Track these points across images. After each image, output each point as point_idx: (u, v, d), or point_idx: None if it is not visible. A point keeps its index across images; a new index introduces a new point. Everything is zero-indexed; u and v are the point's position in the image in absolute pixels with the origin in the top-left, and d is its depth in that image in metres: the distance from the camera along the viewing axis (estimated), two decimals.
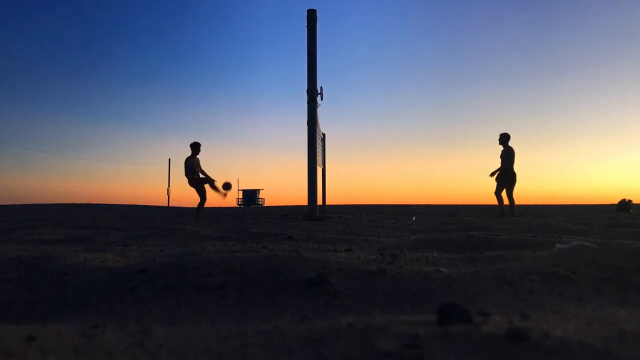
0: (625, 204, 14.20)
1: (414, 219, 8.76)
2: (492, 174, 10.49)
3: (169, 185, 45.35)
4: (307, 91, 8.96)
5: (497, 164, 10.55)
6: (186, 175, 9.87)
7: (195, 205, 10.12)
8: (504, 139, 10.45)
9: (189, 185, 9.93)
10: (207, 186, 9.90)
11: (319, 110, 9.15)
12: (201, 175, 9.97)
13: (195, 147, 9.95)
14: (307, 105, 8.96)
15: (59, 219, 9.01)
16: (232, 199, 52.36)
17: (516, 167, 10.45)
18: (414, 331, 0.77)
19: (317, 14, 9.07)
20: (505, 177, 10.36)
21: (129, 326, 0.93)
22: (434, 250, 2.33)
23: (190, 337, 0.84)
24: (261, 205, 48.27)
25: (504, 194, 10.44)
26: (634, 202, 14.54)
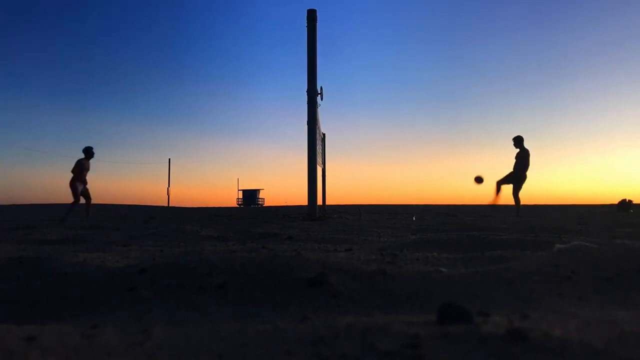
0: (625, 204, 14.17)
1: (414, 218, 8.76)
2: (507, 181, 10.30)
3: (169, 185, 45.55)
4: (307, 91, 8.94)
5: (499, 164, 10.44)
6: (73, 174, 9.83)
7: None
8: (519, 141, 10.31)
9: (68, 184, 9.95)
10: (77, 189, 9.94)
11: (319, 110, 9.15)
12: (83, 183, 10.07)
13: (91, 152, 10.13)
14: (307, 105, 8.95)
15: (59, 219, 9.00)
16: (232, 199, 52.36)
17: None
18: (414, 331, 0.77)
19: (317, 14, 9.08)
20: (516, 177, 10.22)
21: (129, 326, 0.93)
22: (434, 250, 2.33)
23: (190, 337, 0.84)
24: (261, 205, 48.25)
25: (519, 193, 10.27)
26: (634, 202, 14.51)
